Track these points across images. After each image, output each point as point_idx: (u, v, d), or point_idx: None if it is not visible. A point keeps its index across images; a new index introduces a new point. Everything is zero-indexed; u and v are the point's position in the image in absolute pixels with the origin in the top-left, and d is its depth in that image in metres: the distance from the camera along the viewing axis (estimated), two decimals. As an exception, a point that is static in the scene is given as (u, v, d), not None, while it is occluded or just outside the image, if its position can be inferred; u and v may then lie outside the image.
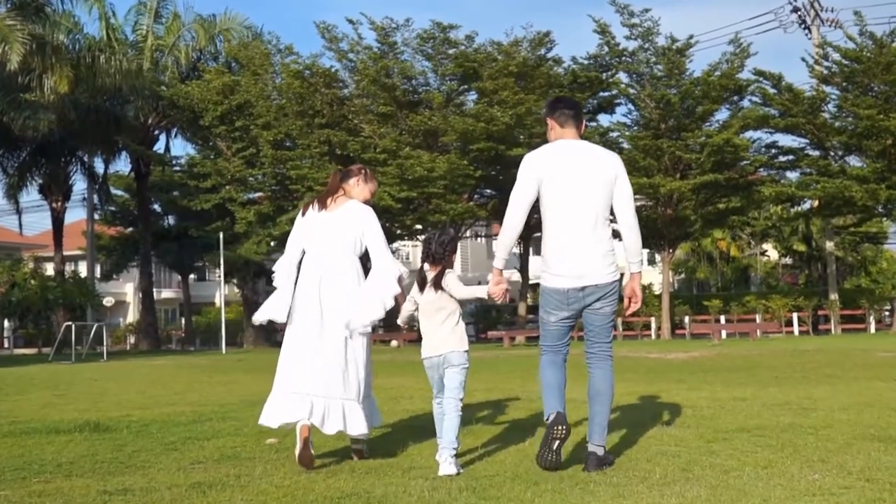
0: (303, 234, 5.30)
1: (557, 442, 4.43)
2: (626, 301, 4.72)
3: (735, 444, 5.21)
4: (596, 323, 4.68)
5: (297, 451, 4.86)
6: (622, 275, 4.83)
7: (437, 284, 4.79)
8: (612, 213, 4.72)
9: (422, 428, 6.17)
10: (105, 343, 24.23)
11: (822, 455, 4.77)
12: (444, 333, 4.78)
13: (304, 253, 5.31)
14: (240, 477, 4.58)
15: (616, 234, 4.81)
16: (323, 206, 5.27)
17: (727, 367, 12.93)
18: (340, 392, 4.96)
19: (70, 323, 23.45)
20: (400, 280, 5.13)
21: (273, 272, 5.44)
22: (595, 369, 4.72)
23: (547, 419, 4.52)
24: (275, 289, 5.33)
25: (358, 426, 5.02)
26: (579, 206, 4.57)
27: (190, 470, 4.86)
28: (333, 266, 5.15)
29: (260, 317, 5.23)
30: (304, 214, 5.36)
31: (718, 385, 9.62)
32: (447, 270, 4.83)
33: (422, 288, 4.87)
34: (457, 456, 4.60)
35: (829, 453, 4.82)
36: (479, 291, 4.91)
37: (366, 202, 5.34)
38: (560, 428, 4.43)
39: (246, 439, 6.04)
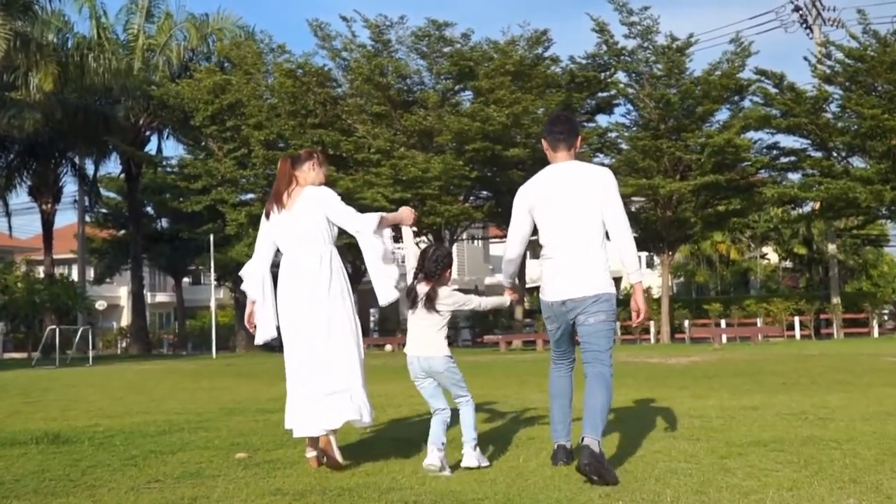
0: (269, 237, 5.18)
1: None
2: (633, 315, 4.72)
3: (752, 461, 4.71)
4: (586, 332, 4.64)
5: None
6: (613, 282, 4.76)
7: (429, 303, 4.74)
8: None
9: (407, 440, 5.66)
10: (91, 347, 23.70)
11: (853, 474, 4.26)
12: (424, 339, 4.80)
13: (274, 255, 5.21)
14: (196, 499, 4.06)
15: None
16: (281, 205, 5.05)
17: (731, 372, 12.43)
18: (320, 386, 4.83)
19: (55, 326, 22.93)
20: (381, 223, 4.95)
21: (241, 277, 5.33)
22: (591, 375, 4.57)
23: (553, 444, 4.88)
24: (246, 296, 5.28)
25: (330, 420, 4.78)
26: (569, 226, 4.64)
27: (143, 490, 4.35)
28: (306, 267, 4.95)
29: (260, 340, 5.22)
30: (267, 218, 5.16)
31: (724, 392, 9.13)
32: (440, 288, 4.80)
33: (413, 304, 4.79)
34: (479, 447, 4.70)
35: (860, 472, 4.31)
36: (502, 300, 5.14)
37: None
38: (560, 463, 4.70)
39: (214, 453, 5.53)
